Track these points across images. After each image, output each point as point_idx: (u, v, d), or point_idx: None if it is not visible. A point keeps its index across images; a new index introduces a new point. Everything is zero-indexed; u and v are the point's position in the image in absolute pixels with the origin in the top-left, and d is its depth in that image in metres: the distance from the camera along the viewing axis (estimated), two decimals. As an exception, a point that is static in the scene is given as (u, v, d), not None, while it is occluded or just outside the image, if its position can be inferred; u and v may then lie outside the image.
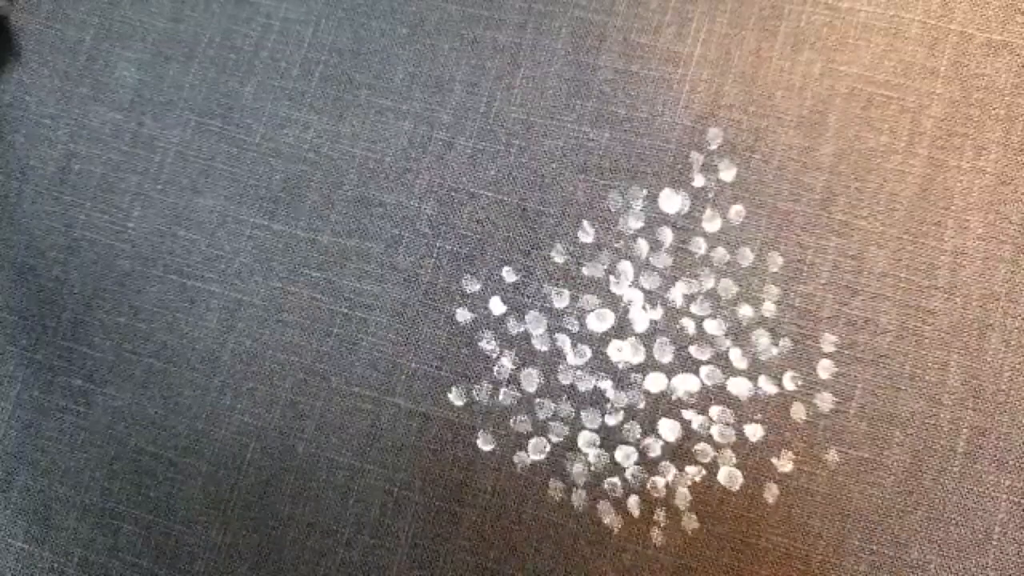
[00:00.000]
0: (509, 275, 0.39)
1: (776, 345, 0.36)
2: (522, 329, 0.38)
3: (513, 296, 0.39)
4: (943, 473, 0.35)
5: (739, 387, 0.36)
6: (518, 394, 0.37)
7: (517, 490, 0.37)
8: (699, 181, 0.38)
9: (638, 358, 0.37)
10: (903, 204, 0.37)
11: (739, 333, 0.37)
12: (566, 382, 0.37)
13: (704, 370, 0.37)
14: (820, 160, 0.38)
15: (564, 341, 0.38)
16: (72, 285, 0.42)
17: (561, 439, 0.37)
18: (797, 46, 0.39)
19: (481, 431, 0.37)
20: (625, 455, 0.36)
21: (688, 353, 0.37)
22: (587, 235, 0.39)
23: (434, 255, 0.40)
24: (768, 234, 0.38)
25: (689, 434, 0.36)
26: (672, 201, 0.38)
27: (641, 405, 0.37)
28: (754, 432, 0.36)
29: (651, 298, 0.38)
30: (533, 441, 0.37)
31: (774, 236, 0.38)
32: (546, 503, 0.36)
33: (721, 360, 0.37)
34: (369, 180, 0.41)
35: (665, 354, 0.37)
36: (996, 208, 0.37)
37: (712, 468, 0.36)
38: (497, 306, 0.38)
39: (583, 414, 0.37)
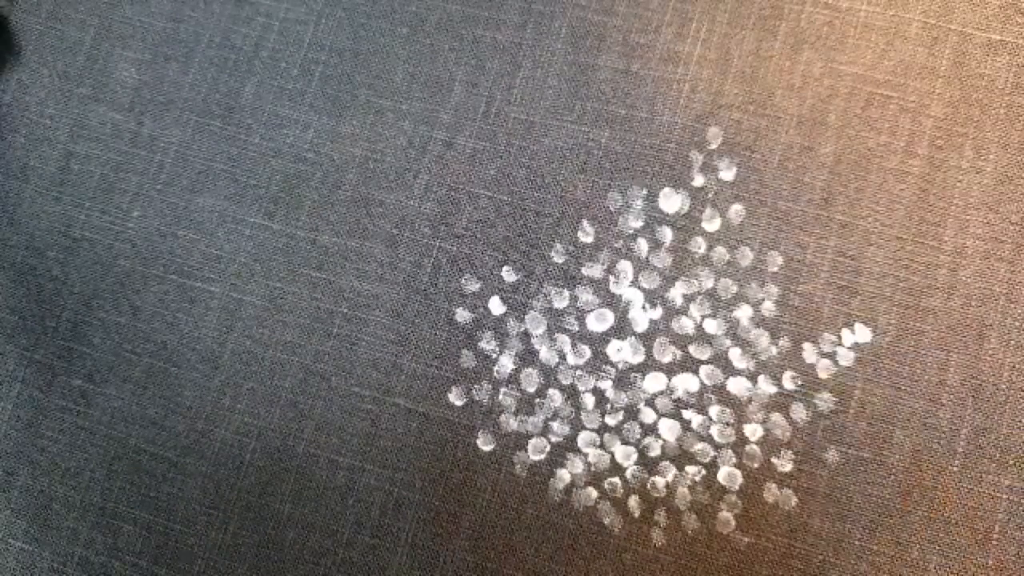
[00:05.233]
0: (509, 275, 0.39)
1: (776, 345, 0.36)
2: (522, 329, 0.38)
3: (513, 296, 0.39)
4: (943, 473, 0.35)
5: (739, 387, 0.36)
6: (518, 394, 0.37)
7: (517, 490, 0.37)
8: (699, 181, 0.38)
9: (638, 358, 0.37)
10: (903, 204, 0.37)
11: (739, 333, 0.37)
12: (566, 382, 0.37)
13: (704, 370, 0.37)
14: (820, 160, 0.38)
15: (564, 341, 0.38)
16: (72, 285, 0.42)
17: (561, 439, 0.37)
18: (797, 46, 0.39)
19: (481, 431, 0.37)
20: (625, 455, 0.36)
21: (688, 353, 0.37)
22: (587, 235, 0.39)
23: (434, 255, 0.40)
24: (768, 234, 0.38)
25: (689, 434, 0.36)
26: (672, 201, 0.38)
27: (641, 405, 0.37)
28: (754, 432, 0.36)
29: (651, 298, 0.38)
30: (533, 441, 0.37)
31: (774, 236, 0.38)
32: (546, 503, 0.36)
33: (721, 360, 0.37)
34: (369, 180, 0.41)
35: (665, 354, 0.37)
36: (996, 208, 0.37)
37: (712, 468, 0.36)
38: (497, 306, 0.38)
39: (583, 414, 0.37)
